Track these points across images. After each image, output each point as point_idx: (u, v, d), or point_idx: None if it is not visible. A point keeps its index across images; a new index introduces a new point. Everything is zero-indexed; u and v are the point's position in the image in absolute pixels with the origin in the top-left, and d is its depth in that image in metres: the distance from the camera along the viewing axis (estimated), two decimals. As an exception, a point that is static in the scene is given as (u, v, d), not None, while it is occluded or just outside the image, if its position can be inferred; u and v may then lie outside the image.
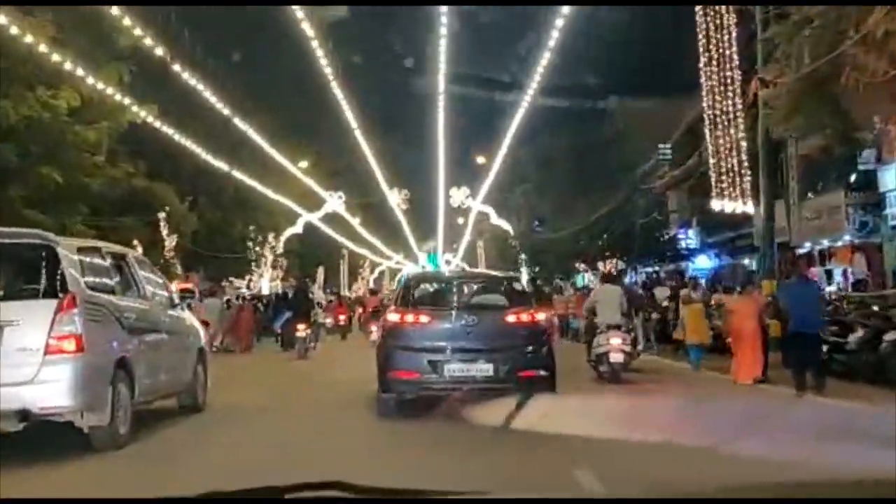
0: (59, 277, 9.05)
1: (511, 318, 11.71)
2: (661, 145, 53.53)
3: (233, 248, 44.28)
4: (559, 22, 25.75)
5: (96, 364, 9.17)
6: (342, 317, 38.03)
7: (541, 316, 12.27)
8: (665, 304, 26.32)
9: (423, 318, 11.78)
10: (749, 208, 27.29)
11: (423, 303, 12.56)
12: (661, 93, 50.21)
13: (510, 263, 48.98)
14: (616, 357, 16.01)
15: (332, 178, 55.11)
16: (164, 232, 34.06)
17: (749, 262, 38.65)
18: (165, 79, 29.12)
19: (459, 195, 53.09)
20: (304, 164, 50.39)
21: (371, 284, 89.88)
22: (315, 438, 10.52)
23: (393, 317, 12.04)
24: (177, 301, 12.90)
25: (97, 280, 9.89)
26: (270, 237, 48.34)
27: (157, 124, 29.09)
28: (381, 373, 11.71)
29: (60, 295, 8.93)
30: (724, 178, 26.84)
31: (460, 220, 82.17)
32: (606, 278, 22.93)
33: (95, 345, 9.15)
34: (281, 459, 8.94)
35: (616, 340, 15.87)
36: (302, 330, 24.77)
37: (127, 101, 26.54)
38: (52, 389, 8.73)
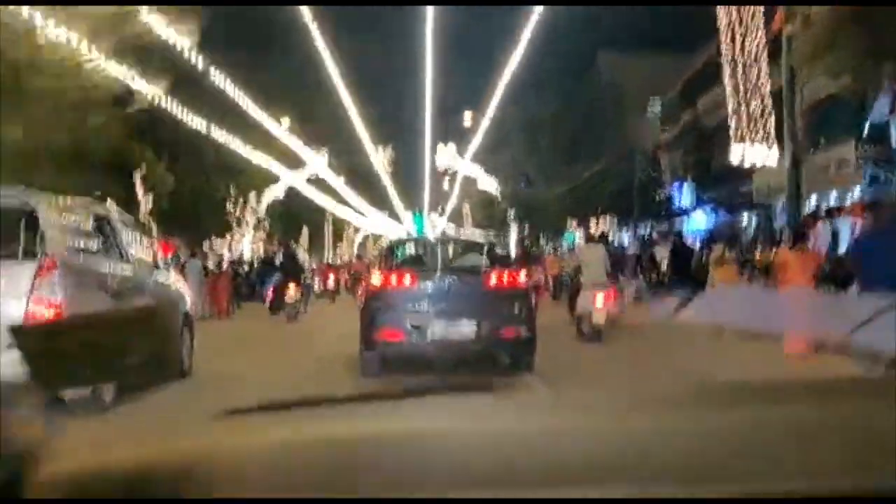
0: (39, 239, 8.63)
1: (492, 280, 11.79)
2: (651, 97, 52.41)
3: (214, 212, 42.62)
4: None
5: None
6: (331, 280, 37.43)
7: (521, 277, 12.43)
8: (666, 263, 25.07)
9: (406, 281, 11.84)
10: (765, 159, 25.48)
11: (405, 266, 12.74)
12: (650, 49, 49.13)
13: (499, 224, 47.62)
14: (598, 317, 15.70)
15: (316, 140, 53.27)
16: (140, 192, 32.35)
17: (748, 218, 37.38)
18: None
19: (447, 153, 51.59)
20: (285, 121, 48.60)
21: (356, 249, 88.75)
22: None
23: (376, 279, 12.18)
24: (161, 263, 12.60)
25: (80, 242, 9.49)
26: (251, 198, 46.62)
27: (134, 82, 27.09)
28: (366, 333, 11.70)
29: (40, 258, 8.52)
30: (743, 123, 25.09)
31: (446, 186, 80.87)
32: (590, 238, 22.76)
33: (77, 311, 8.36)
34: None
35: (600, 299, 15.58)
36: (292, 293, 24.12)
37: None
38: None
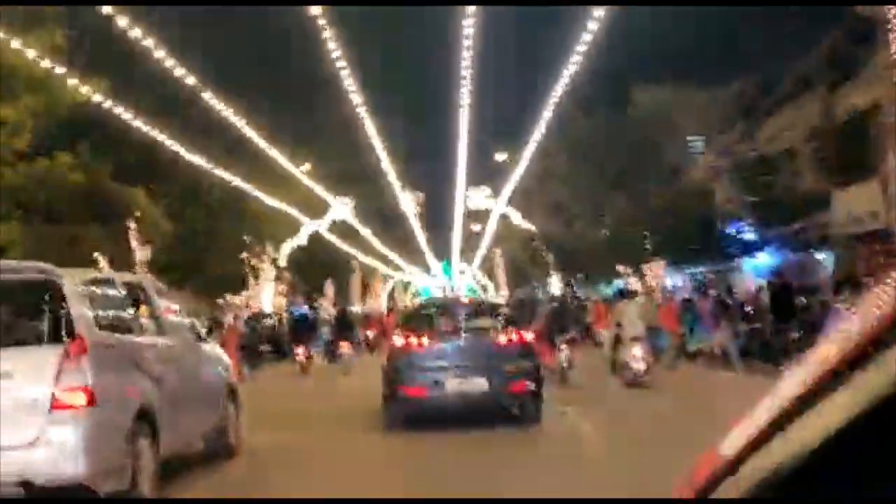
0: (64, 318, 7.98)
1: (502, 339, 12.83)
2: (689, 138, 47.94)
3: (225, 262, 38.31)
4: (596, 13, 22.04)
5: (112, 419, 7.97)
6: (371, 333, 38.16)
7: (528, 336, 13.34)
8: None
9: (426, 341, 12.82)
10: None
11: (424, 327, 13.58)
12: (682, 80, 44.97)
13: (539, 268, 42.83)
14: (637, 365, 17.69)
15: (339, 183, 49.03)
16: (134, 243, 28.07)
17: (824, 256, 32.54)
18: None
19: (479, 196, 47.18)
20: (306, 167, 44.48)
21: (384, 299, 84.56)
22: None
23: (398, 340, 13.19)
24: (202, 332, 11.72)
25: (111, 317, 8.79)
26: (269, 248, 42.28)
27: (112, 105, 22.85)
28: (389, 390, 12.67)
29: (66, 339, 7.83)
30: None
31: (476, 228, 76.28)
32: (627, 294, 23.51)
33: (110, 396, 7.96)
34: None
35: (637, 351, 17.50)
36: (346, 350, 26.56)
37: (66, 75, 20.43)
38: (59, 453, 7.50)
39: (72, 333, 7.81)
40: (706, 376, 20.61)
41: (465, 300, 20.79)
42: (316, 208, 46.93)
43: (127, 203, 28.06)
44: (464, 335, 13.29)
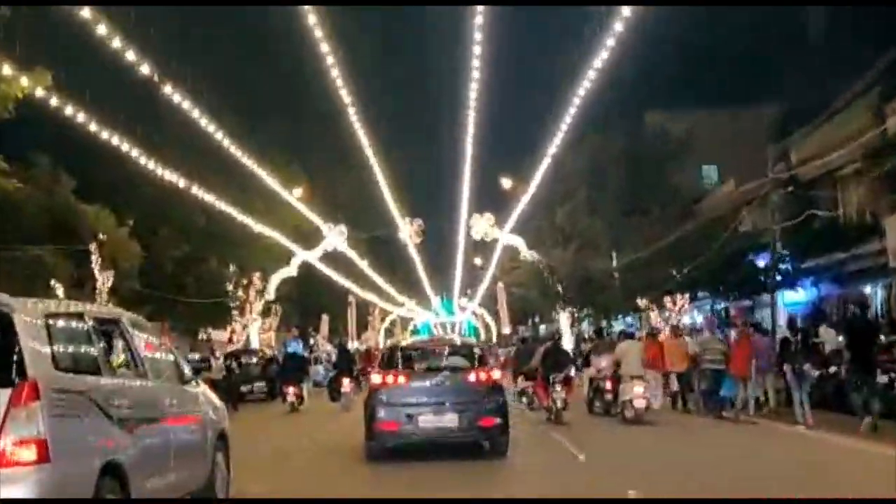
0: (15, 356, 6.54)
1: (472, 377, 13.61)
2: (704, 166, 44.56)
3: (207, 292, 34.61)
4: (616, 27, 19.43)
5: (70, 476, 6.56)
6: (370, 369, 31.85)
7: (496, 374, 14.19)
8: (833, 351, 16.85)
9: (401, 379, 13.59)
10: None
11: (401, 365, 14.23)
12: (713, 104, 41.98)
13: (549, 302, 38.94)
14: (639, 402, 18.00)
15: (333, 210, 45.44)
16: (96, 268, 24.40)
17: (871, 290, 28.92)
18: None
19: (482, 224, 43.39)
20: (298, 191, 40.97)
21: (382, 335, 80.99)
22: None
23: (376, 378, 14.02)
24: (188, 374, 9.72)
25: (75, 356, 7.33)
26: (256, 278, 38.51)
27: (58, 103, 19.12)
28: (367, 424, 13.41)
29: (17, 381, 6.42)
30: None
31: (478, 261, 72.66)
32: (626, 335, 22.79)
33: (69, 449, 6.58)
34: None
35: (639, 389, 17.83)
36: (346, 387, 26.04)
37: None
38: None
39: (23, 374, 6.51)
40: (771, 430, 17.02)
41: (442, 342, 19.42)
42: (308, 237, 43.34)
43: (90, 223, 24.37)
44: (438, 374, 13.84)
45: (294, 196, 39.85)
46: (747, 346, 19.17)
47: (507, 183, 45.34)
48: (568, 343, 40.34)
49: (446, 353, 14.99)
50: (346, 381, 26.41)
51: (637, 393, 17.99)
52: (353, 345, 64.16)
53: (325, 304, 61.11)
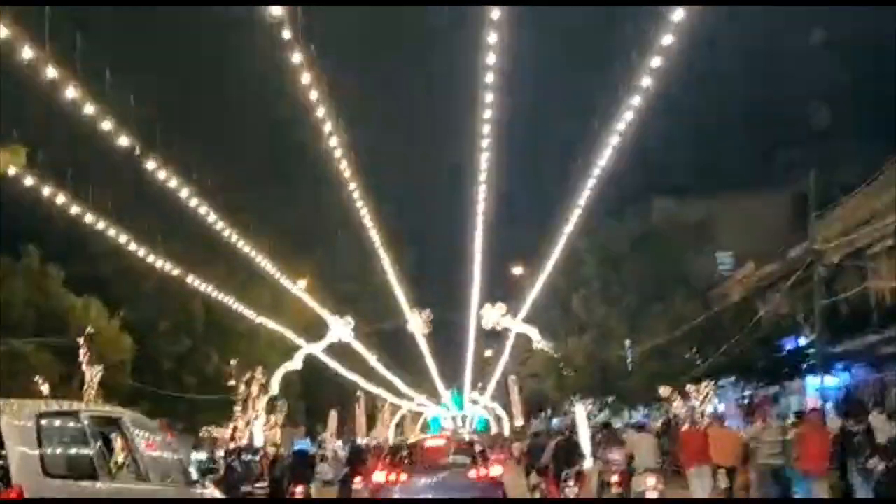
0: (1, 461, 6.19)
1: (472, 474, 14.35)
2: (718, 253, 43.12)
3: (208, 388, 32.89)
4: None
5: None
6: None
7: (496, 470, 15.13)
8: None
9: (403, 476, 14.23)
10: None
11: (404, 463, 15.00)
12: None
13: (564, 394, 37.06)
14: (651, 494, 17.34)
15: (340, 303, 43.89)
16: (84, 361, 22.80)
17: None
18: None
19: (494, 314, 41.76)
20: (302, 283, 39.52)
21: (392, 431, 78.57)
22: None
23: (379, 476, 14.70)
24: (195, 476, 8.99)
25: (69, 460, 6.87)
26: (258, 372, 36.75)
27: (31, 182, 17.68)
28: None
29: (2, 489, 6.05)
30: None
31: (488, 353, 70.83)
32: (638, 427, 22.37)
33: None
34: None
35: (651, 480, 17.18)
36: (359, 483, 25.15)
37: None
38: None
39: (8, 482, 6.01)
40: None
41: (443, 441, 19.78)
42: (313, 330, 41.71)
43: (79, 316, 22.88)
44: (439, 470, 14.30)
45: (298, 287, 38.48)
46: (821, 435, 15.71)
47: (517, 270, 43.98)
48: (584, 435, 38.33)
49: (447, 451, 15.66)
50: (357, 480, 25.84)
51: (650, 485, 17.55)
52: (362, 441, 62.10)
53: (333, 399, 59.10)
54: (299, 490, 24.31)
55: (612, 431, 22.88)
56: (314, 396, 52.76)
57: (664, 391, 29.91)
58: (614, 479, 18.22)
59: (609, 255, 31.32)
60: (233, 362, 34.77)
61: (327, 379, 52.63)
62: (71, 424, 7.25)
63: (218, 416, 34.81)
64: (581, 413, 40.80)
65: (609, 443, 20.10)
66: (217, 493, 10.08)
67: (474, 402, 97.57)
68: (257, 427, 39.98)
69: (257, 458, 30.40)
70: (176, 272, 28.11)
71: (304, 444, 57.45)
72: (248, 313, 33.16)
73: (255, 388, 36.28)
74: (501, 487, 14.86)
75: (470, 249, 33.86)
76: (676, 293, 30.03)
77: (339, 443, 63.35)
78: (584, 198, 26.00)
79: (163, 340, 31.24)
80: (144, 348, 30.30)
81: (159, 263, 25.83)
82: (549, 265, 30.96)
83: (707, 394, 29.56)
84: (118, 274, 30.96)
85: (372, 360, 52.77)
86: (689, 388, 30.00)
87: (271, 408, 43.41)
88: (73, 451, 7.14)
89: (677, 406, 30.00)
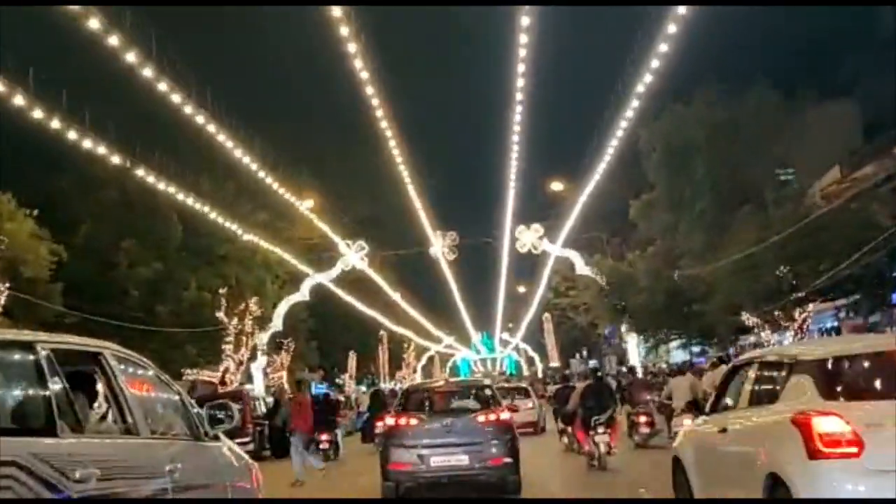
0: None
1: (481, 418, 13.34)
2: (778, 170, 36.01)
3: (185, 321, 26.46)
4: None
5: None
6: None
7: (505, 415, 13.64)
8: None
9: (413, 421, 13.42)
10: None
11: (414, 408, 14.13)
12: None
13: (619, 324, 30.22)
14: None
15: (351, 226, 37.38)
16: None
17: None
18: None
19: (529, 236, 35.18)
20: (309, 202, 33.09)
21: (419, 374, 72.80)
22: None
23: (389, 420, 14.18)
24: (205, 428, 6.52)
25: (17, 408, 4.95)
26: (252, 303, 30.20)
27: None
28: (382, 465, 13.24)
29: None
30: None
31: (521, 289, 64.35)
32: (678, 371, 21.36)
33: None
34: None
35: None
36: (380, 428, 21.49)
37: None
38: None
39: None
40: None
41: (453, 384, 18.77)
42: (321, 261, 35.27)
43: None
44: (448, 415, 13.73)
45: (304, 206, 32.10)
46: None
47: (557, 187, 37.28)
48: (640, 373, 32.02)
49: (457, 394, 15.30)
50: (379, 424, 22.22)
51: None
52: (386, 385, 56.28)
53: (352, 340, 53.05)
54: (325, 438, 22.22)
55: (634, 373, 24.61)
56: (329, 336, 46.57)
57: (749, 320, 23.24)
58: (642, 419, 18.56)
59: (677, 147, 24.24)
60: (221, 291, 28.36)
61: (346, 318, 46.43)
62: (18, 358, 4.98)
63: (202, 354, 28.41)
64: (634, 349, 34.35)
65: (635, 386, 20.91)
66: (235, 448, 7.27)
67: (505, 342, 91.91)
68: (257, 370, 33.77)
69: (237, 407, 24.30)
70: (145, 177, 22.02)
71: (321, 389, 52.05)
72: (234, 229, 26.67)
73: (247, 322, 29.88)
74: (511, 432, 13.82)
75: (503, 163, 27.55)
76: (767, 194, 22.96)
77: (363, 388, 57.79)
78: (643, 81, 19.47)
79: (125, 262, 24.93)
80: (105, 271, 24.17)
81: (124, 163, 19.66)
82: (600, 166, 24.10)
83: (805, 320, 22.88)
84: (76, 187, 25.06)
85: (396, 297, 46.31)
86: (797, 312, 23.23)
87: (277, 347, 37.32)
88: (21, 395, 5.04)
89: (765, 337, 23.39)
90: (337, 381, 55.82)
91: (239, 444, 20.88)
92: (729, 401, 8.10)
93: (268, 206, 30.13)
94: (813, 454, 6.03)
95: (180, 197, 24.42)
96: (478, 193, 40.16)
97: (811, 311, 22.89)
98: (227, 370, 29.77)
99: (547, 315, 64.10)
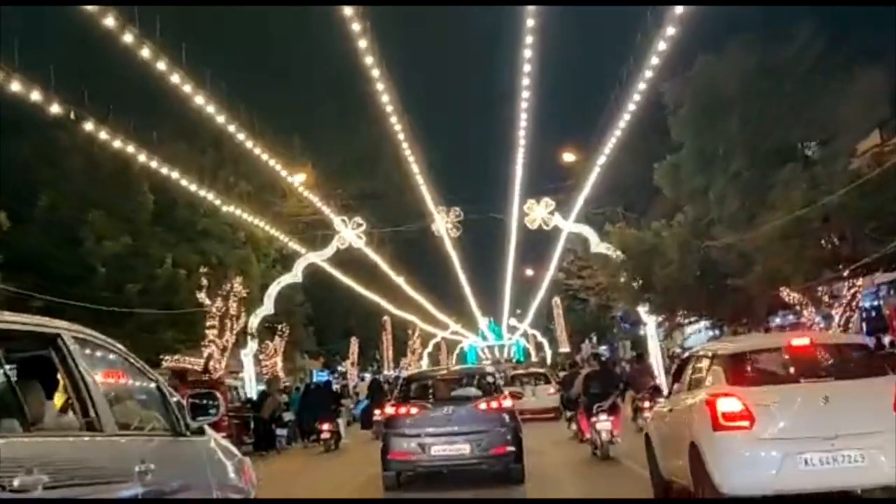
0: None
1: (482, 406, 13.15)
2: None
3: (158, 301, 23.59)
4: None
5: None
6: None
7: (507, 403, 13.39)
8: None
9: (413, 410, 13.31)
10: None
11: (415, 397, 13.98)
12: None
13: (640, 302, 27.22)
14: None
15: (349, 202, 34.45)
16: None
17: None
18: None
19: (539, 211, 32.25)
20: (301, 176, 30.22)
21: (425, 361, 70.14)
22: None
23: (390, 409, 13.93)
24: (187, 422, 5.72)
25: None
26: (237, 283, 27.29)
27: None
28: (382, 454, 13.13)
29: None
30: None
31: (530, 272, 61.40)
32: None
33: None
34: None
35: (647, 404, 16.24)
36: (379, 416, 22.04)
37: None
38: None
39: None
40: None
41: (455, 372, 18.33)
42: (313, 240, 32.38)
43: None
44: (450, 403, 13.41)
45: (295, 179, 29.23)
46: None
47: (569, 157, 34.30)
48: (656, 358, 29.20)
49: (459, 383, 14.81)
50: (378, 412, 22.61)
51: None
52: (390, 373, 53.66)
53: (353, 325, 50.22)
54: (326, 427, 21.56)
55: (642, 360, 23.77)
56: (328, 321, 43.73)
57: (790, 296, 20.25)
58: (646, 404, 17.75)
59: (708, 101, 21.12)
60: (202, 270, 25.49)
61: (345, 300, 43.55)
62: None
63: (180, 339, 25.51)
64: (652, 330, 31.42)
65: (639, 372, 20.45)
66: (224, 443, 6.31)
67: (513, 329, 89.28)
68: (247, 356, 30.93)
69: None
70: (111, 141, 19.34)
71: (323, 376, 49.42)
72: (213, 201, 23.79)
73: (233, 305, 27.04)
74: (514, 420, 13.29)
75: (511, 133, 24.64)
76: (811, 151, 19.92)
77: (368, 375, 55.09)
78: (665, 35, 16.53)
79: (91, 236, 22.12)
80: (68, 246, 21.44)
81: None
82: (619, 123, 21.03)
83: (855, 296, 19.95)
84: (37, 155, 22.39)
85: (395, 276, 43.35)
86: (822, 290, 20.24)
87: (271, 332, 34.52)
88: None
89: (808, 316, 20.45)
90: (339, 368, 53.10)
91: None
92: (676, 386, 9.59)
93: (253, 177, 27.27)
94: (716, 427, 7.55)
95: (154, 165, 21.75)
96: (485, 168, 37.32)
97: (861, 286, 19.92)
98: (210, 357, 26.93)
99: (557, 299, 61.12)
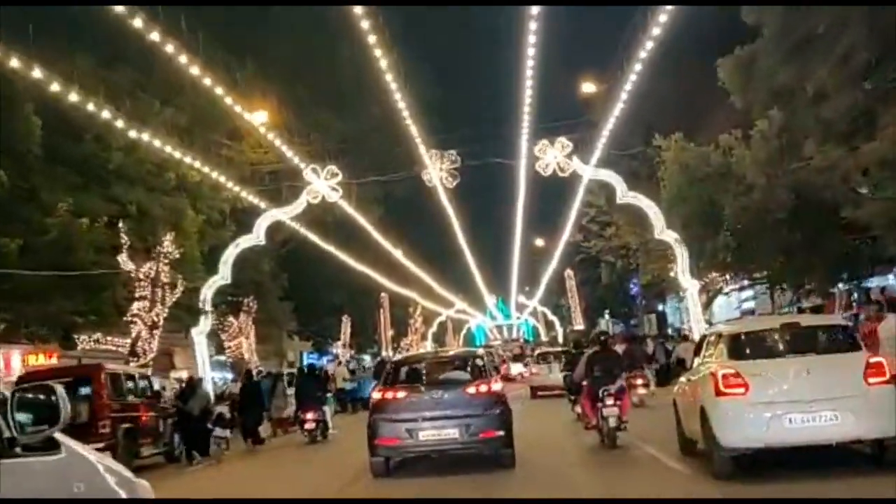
0: None
1: (471, 390, 12.57)
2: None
3: (50, 261, 17.18)
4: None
5: None
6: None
7: (496, 386, 12.94)
8: None
9: (401, 394, 12.71)
10: None
11: (402, 381, 13.37)
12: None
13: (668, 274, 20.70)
14: None
15: (324, 148, 27.99)
16: None
17: None
18: None
19: (553, 154, 25.84)
20: (263, 115, 23.93)
21: (430, 341, 64.20)
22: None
23: (376, 394, 13.14)
24: (12, 431, 3.53)
25: None
26: (168, 243, 20.77)
27: None
28: (370, 440, 12.48)
29: None
30: None
31: (540, 242, 54.98)
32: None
33: None
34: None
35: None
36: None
37: None
38: None
39: None
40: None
41: (443, 355, 17.19)
42: (278, 194, 26.02)
43: None
44: (439, 387, 12.85)
45: (258, 122, 22.94)
46: None
47: (589, 88, 27.82)
48: (697, 329, 23.03)
49: (447, 366, 14.29)
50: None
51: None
52: (388, 353, 47.69)
53: (343, 302, 43.84)
54: (310, 416, 19.33)
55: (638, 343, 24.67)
56: (308, 295, 37.30)
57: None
58: (639, 381, 18.94)
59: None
60: (122, 226, 19.09)
61: (329, 272, 37.15)
62: None
63: (83, 312, 19.01)
64: (693, 300, 25.06)
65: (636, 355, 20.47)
66: (98, 463, 4.21)
67: (522, 306, 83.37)
68: (199, 336, 24.59)
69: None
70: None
71: (312, 359, 43.40)
72: (124, 131, 17.42)
73: (164, 270, 20.53)
74: (504, 404, 12.49)
75: (518, 62, 18.83)
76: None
77: (367, 357, 49.11)
78: None
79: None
80: None
81: None
82: (647, 41, 14.70)
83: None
84: None
85: (381, 238, 36.67)
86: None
87: (235, 307, 28.23)
88: None
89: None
90: (334, 350, 46.98)
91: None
92: (696, 360, 10.69)
93: (191, 110, 20.91)
94: (718, 393, 8.93)
95: (39, 78, 15.53)
96: (488, 104, 31.27)
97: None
98: (137, 337, 20.55)
99: (569, 271, 54.68)
